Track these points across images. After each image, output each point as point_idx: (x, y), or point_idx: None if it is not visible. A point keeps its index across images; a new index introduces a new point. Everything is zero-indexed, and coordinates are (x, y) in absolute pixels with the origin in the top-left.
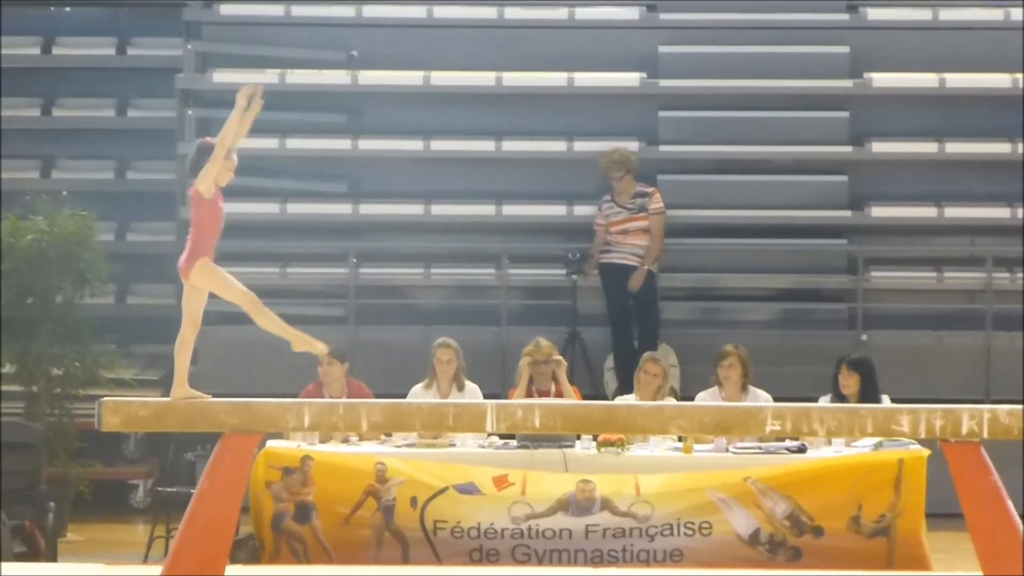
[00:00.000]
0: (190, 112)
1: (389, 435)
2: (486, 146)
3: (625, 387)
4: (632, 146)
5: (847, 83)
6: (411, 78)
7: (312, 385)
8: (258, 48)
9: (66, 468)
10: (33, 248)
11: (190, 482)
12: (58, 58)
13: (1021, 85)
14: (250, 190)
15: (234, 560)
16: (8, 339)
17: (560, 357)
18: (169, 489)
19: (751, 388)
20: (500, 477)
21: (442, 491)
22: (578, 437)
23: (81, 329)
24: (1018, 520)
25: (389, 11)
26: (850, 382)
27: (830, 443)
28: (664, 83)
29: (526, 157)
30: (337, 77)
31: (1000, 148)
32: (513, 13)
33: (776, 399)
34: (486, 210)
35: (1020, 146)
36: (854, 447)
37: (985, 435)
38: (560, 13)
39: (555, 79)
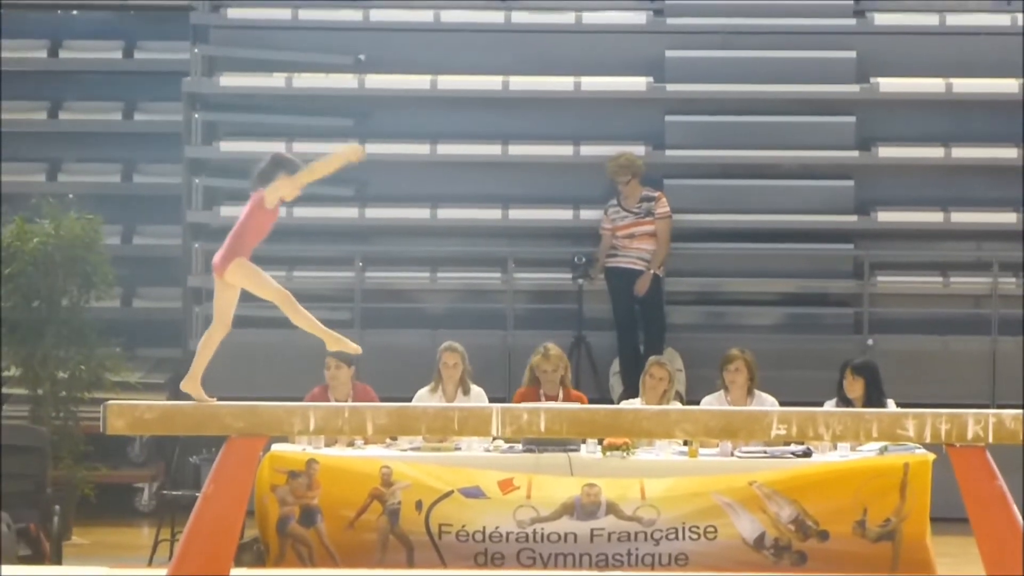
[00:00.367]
0: (197, 116)
1: (394, 439)
2: (493, 150)
3: (631, 391)
4: (639, 150)
5: (854, 88)
6: (418, 82)
7: (318, 388)
8: (265, 52)
9: (71, 471)
10: (39, 251)
11: (195, 485)
12: (65, 61)
13: None
14: None
15: (239, 563)
16: (14, 342)
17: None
18: (174, 492)
19: (757, 392)
20: (505, 481)
21: (447, 495)
22: (583, 441)
23: (87, 332)
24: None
25: (396, 15)
26: (855, 386)
27: (835, 447)
28: (671, 87)
29: (533, 161)
30: (344, 81)
31: (1007, 153)
32: (520, 17)
33: (782, 403)
34: (492, 214)
35: None
36: (859, 451)
37: (990, 440)
38: (567, 17)
39: (562, 83)
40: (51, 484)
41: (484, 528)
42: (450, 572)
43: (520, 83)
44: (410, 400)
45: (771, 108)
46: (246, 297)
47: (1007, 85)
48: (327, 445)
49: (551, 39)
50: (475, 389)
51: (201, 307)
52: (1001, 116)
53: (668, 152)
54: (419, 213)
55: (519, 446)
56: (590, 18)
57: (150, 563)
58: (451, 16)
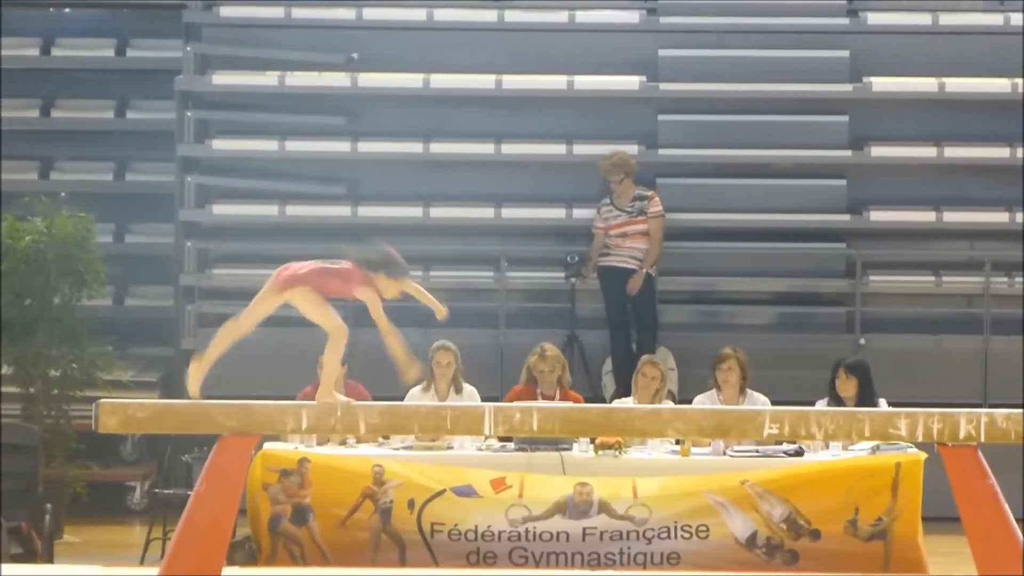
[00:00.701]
0: (189, 114)
1: (387, 437)
2: (485, 149)
3: (623, 390)
4: (631, 149)
5: (847, 87)
6: (411, 80)
7: (310, 387)
8: (258, 50)
9: (63, 470)
10: (31, 249)
11: (187, 484)
12: (57, 59)
13: (1021, 90)
14: (249, 192)
15: (231, 562)
16: (6, 340)
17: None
18: (166, 491)
19: (749, 391)
20: (498, 480)
21: (439, 493)
22: (576, 440)
23: (79, 331)
24: (1015, 524)
25: (389, 13)
26: (848, 386)
27: (827, 447)
28: (664, 87)
29: (525, 160)
30: (337, 79)
31: (999, 153)
32: (513, 16)
33: (774, 402)
34: (485, 213)
35: (1019, 151)
36: (851, 451)
37: (982, 439)
38: (560, 16)
39: (555, 82)
40: (43, 482)
41: (476, 527)
42: (442, 571)
43: (513, 82)
44: (402, 399)
45: (764, 107)
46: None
47: (1000, 85)
48: (319, 444)
49: (544, 38)
50: (467, 388)
51: (193, 305)
52: (994, 116)
53: (661, 151)
54: (412, 212)
55: (511, 445)
56: (583, 17)
57: (142, 562)
58: (444, 15)
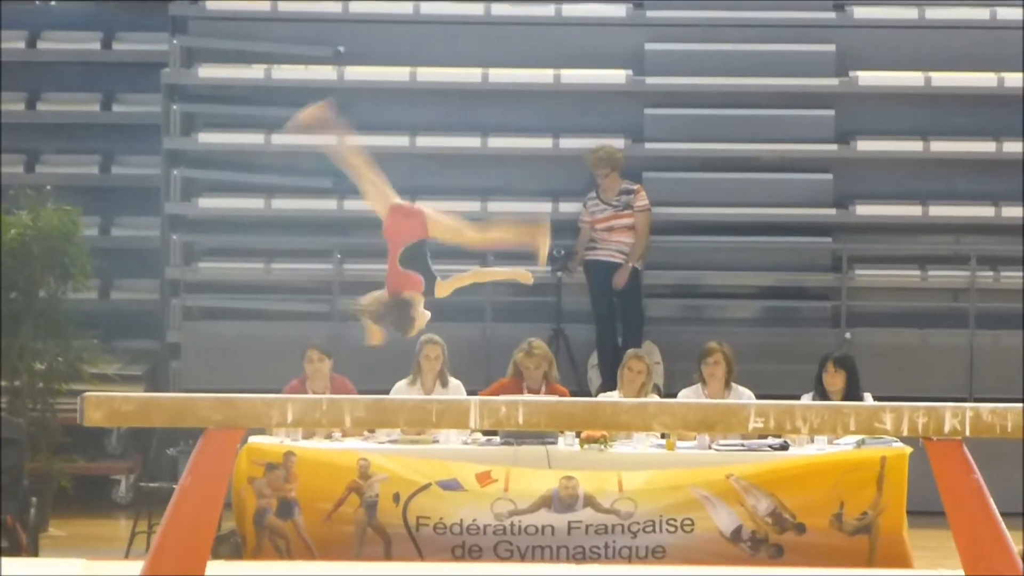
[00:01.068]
0: (175, 107)
1: (372, 431)
2: (472, 142)
3: (609, 384)
4: (618, 143)
5: (833, 81)
6: (397, 74)
7: (296, 381)
8: (244, 43)
9: (48, 463)
10: (17, 242)
11: (172, 477)
12: (43, 52)
13: (1007, 84)
14: (235, 185)
15: (216, 556)
16: None
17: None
18: (151, 484)
19: (734, 385)
20: (483, 474)
21: (425, 487)
22: (561, 434)
23: (64, 324)
24: (1000, 519)
25: (375, 7)
26: (836, 380)
27: (813, 441)
28: (650, 80)
29: (512, 154)
30: (323, 73)
31: (985, 147)
32: (500, 9)
33: (759, 396)
34: (471, 206)
35: (1005, 145)
36: (836, 445)
37: (968, 433)
38: (547, 10)
39: (541, 76)
40: (28, 476)
41: (462, 520)
42: (427, 565)
43: (499, 76)
44: (388, 392)
45: (750, 101)
46: (222, 289)
47: (986, 79)
48: (305, 437)
49: (531, 32)
50: (453, 382)
51: (179, 299)
52: (979, 110)
53: (647, 145)
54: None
55: (497, 439)
56: (569, 11)
57: (127, 555)
58: (430, 8)
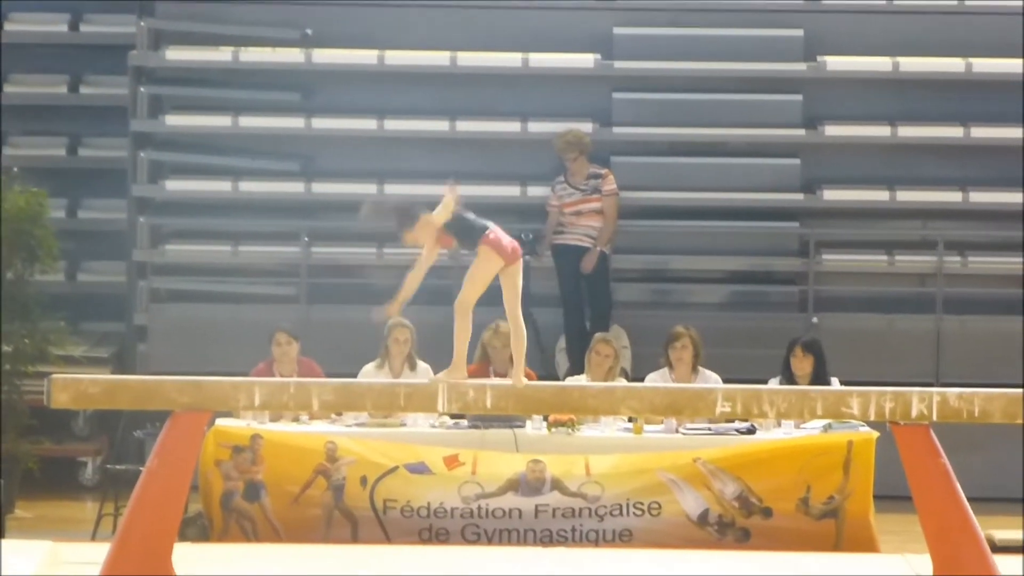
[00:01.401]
0: (143, 89)
1: (340, 414)
2: (440, 126)
3: (576, 368)
4: (586, 127)
5: (801, 66)
6: (365, 57)
7: (263, 364)
8: (212, 26)
9: (15, 445)
10: None
11: (139, 460)
12: (10, 34)
13: (975, 70)
14: (202, 168)
15: (183, 538)
16: None
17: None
18: (118, 467)
19: (701, 369)
20: (451, 457)
21: (392, 470)
22: (529, 417)
23: (31, 306)
24: (966, 503)
25: None
26: (804, 364)
27: (780, 425)
28: (619, 65)
29: (480, 137)
30: (291, 55)
31: (953, 132)
32: None
33: (726, 381)
34: (439, 190)
35: (973, 130)
36: (803, 429)
37: (934, 418)
38: None
39: (510, 60)
40: None
41: (429, 504)
42: (395, 548)
43: (468, 59)
44: (356, 376)
45: (718, 86)
46: (189, 271)
47: (954, 64)
48: (272, 420)
49: (499, 15)
50: (421, 365)
51: (146, 281)
52: (947, 95)
53: (615, 129)
54: (366, 188)
55: (465, 422)
56: None
57: (94, 537)
58: None
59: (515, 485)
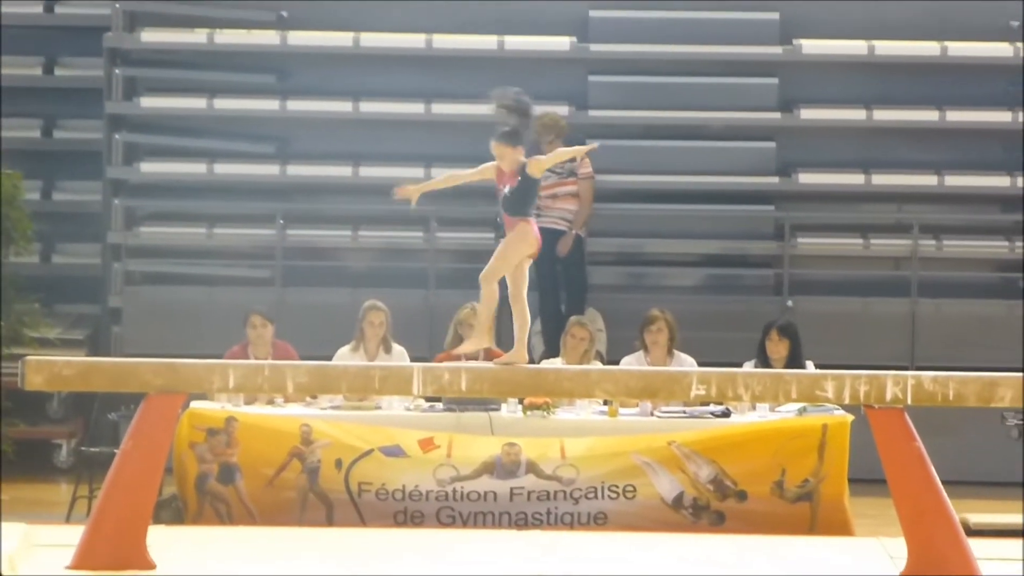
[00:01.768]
0: (118, 71)
1: (315, 397)
2: (415, 108)
3: (552, 351)
4: (562, 110)
5: (777, 49)
6: (341, 39)
7: (238, 346)
8: (187, 7)
9: None
10: None
11: (114, 442)
12: None
13: (950, 53)
14: (177, 150)
15: (157, 520)
16: None
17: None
18: (93, 449)
19: (676, 353)
20: (426, 440)
21: (367, 453)
22: (504, 400)
23: (5, 288)
24: (941, 486)
25: None
26: (780, 348)
27: (754, 408)
28: (595, 47)
29: (455, 120)
30: (266, 37)
31: (928, 116)
32: None
33: (701, 364)
34: (415, 172)
35: (948, 114)
36: (778, 412)
37: (909, 401)
38: None
39: (485, 42)
40: None
41: (404, 487)
42: (370, 531)
43: (443, 42)
44: (330, 358)
45: (694, 69)
46: (163, 253)
47: (929, 48)
48: (247, 403)
49: None
50: (397, 348)
51: (120, 263)
52: (922, 79)
53: (591, 112)
54: (341, 171)
55: (440, 405)
56: None
57: (68, 519)
58: None
59: (490, 468)
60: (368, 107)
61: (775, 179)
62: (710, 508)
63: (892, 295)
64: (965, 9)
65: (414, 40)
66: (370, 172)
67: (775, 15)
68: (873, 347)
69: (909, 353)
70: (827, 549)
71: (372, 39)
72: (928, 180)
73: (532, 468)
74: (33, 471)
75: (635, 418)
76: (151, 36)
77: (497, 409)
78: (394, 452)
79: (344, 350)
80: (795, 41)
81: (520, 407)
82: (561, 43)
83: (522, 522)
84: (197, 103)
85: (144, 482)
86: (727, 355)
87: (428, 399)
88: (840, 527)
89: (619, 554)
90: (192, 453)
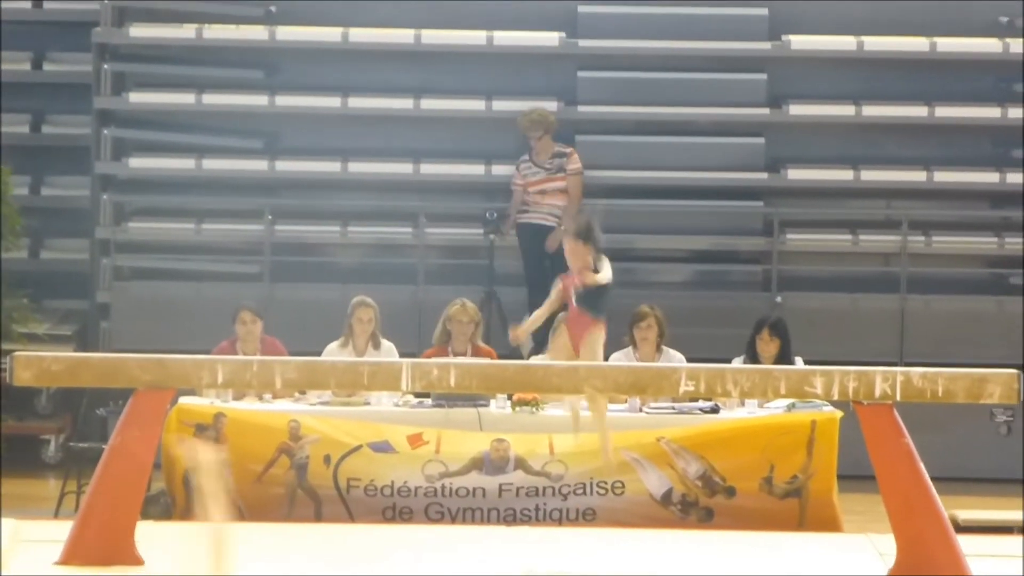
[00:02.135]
0: (106, 66)
1: (303, 393)
2: (404, 104)
3: (540, 347)
4: (551, 106)
5: (765, 45)
6: (329, 35)
7: (226, 342)
8: (176, 3)
9: None
10: None
11: (102, 438)
12: None
13: (939, 49)
14: (166, 145)
15: (146, 516)
16: None
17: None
18: (81, 445)
19: (665, 348)
20: (414, 436)
21: (356, 449)
22: (493, 396)
23: None
24: (930, 483)
25: None
26: (770, 347)
27: (743, 404)
28: (583, 43)
29: (444, 116)
30: (255, 33)
31: (917, 111)
32: None
33: (690, 360)
34: (404, 168)
35: (937, 109)
36: (767, 408)
37: (898, 398)
38: None
39: (474, 37)
40: None
41: (392, 482)
42: (358, 527)
43: (432, 37)
44: (319, 354)
45: (683, 65)
46: (152, 249)
47: (918, 44)
48: (235, 399)
49: None
50: (385, 344)
51: (109, 259)
52: (912, 74)
53: (580, 108)
54: (330, 167)
55: (429, 401)
56: None
57: (56, 515)
58: None
59: (479, 464)
60: (357, 102)
61: (764, 175)
62: (699, 504)
63: (881, 291)
64: (954, 5)
65: (403, 35)
66: (359, 168)
67: (764, 11)
68: (862, 343)
69: (898, 349)
70: (815, 545)
71: (361, 34)
72: (917, 176)
73: (521, 464)
74: (21, 467)
75: (624, 414)
76: (140, 32)
77: (486, 405)
78: (383, 448)
79: (333, 346)
80: (784, 37)
81: (509, 403)
82: (550, 39)
83: (511, 518)
84: (186, 98)
85: (132, 478)
86: (716, 351)
87: (417, 395)
88: (829, 523)
89: (607, 550)
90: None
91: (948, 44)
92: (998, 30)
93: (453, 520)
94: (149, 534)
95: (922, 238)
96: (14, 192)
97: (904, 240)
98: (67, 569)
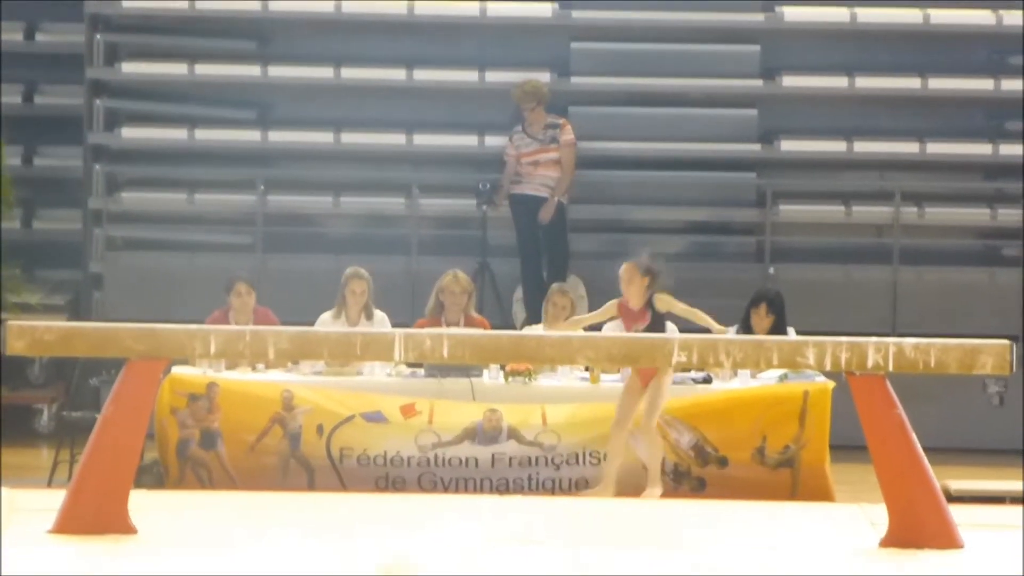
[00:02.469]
0: (99, 37)
1: (296, 363)
2: (397, 75)
3: (534, 318)
4: (544, 77)
5: (758, 16)
6: (322, 5)
7: (218, 312)
8: None
9: None
10: None
11: (95, 407)
12: None
13: (932, 21)
14: (158, 116)
15: (138, 486)
16: None
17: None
18: (74, 414)
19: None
20: (407, 406)
21: (349, 419)
22: (486, 367)
23: None
24: (922, 454)
25: None
26: (765, 322)
27: (736, 375)
28: (577, 14)
29: (437, 87)
30: (247, 3)
31: (910, 83)
32: None
33: (682, 330)
34: (396, 139)
35: (930, 82)
36: (760, 379)
37: (891, 368)
38: None
39: (467, 8)
40: None
41: (385, 452)
42: (351, 496)
43: (425, 8)
44: (312, 325)
45: (676, 36)
46: (144, 219)
47: (911, 15)
48: (228, 368)
49: None
50: (378, 314)
51: (101, 229)
52: (905, 46)
53: (573, 79)
54: (323, 137)
55: (421, 371)
56: None
57: (49, 484)
58: None
59: (472, 434)
60: (350, 73)
61: (757, 147)
62: (691, 474)
63: (874, 262)
64: None
65: (396, 7)
66: (352, 139)
67: None
68: (855, 314)
69: (891, 320)
70: (807, 515)
71: (354, 6)
72: (910, 148)
73: (513, 434)
74: (14, 436)
75: (617, 384)
76: (132, 2)
77: (479, 375)
78: (375, 418)
79: (326, 316)
80: (777, 8)
81: (502, 374)
82: (543, 9)
83: (503, 488)
84: (178, 69)
85: (125, 447)
86: None
87: (410, 365)
88: (821, 493)
89: (598, 520)
90: (173, 419)
91: (941, 16)
92: (991, 1)
93: (446, 489)
94: (142, 503)
95: (915, 210)
96: (6, 162)
97: (897, 212)
98: (60, 538)
